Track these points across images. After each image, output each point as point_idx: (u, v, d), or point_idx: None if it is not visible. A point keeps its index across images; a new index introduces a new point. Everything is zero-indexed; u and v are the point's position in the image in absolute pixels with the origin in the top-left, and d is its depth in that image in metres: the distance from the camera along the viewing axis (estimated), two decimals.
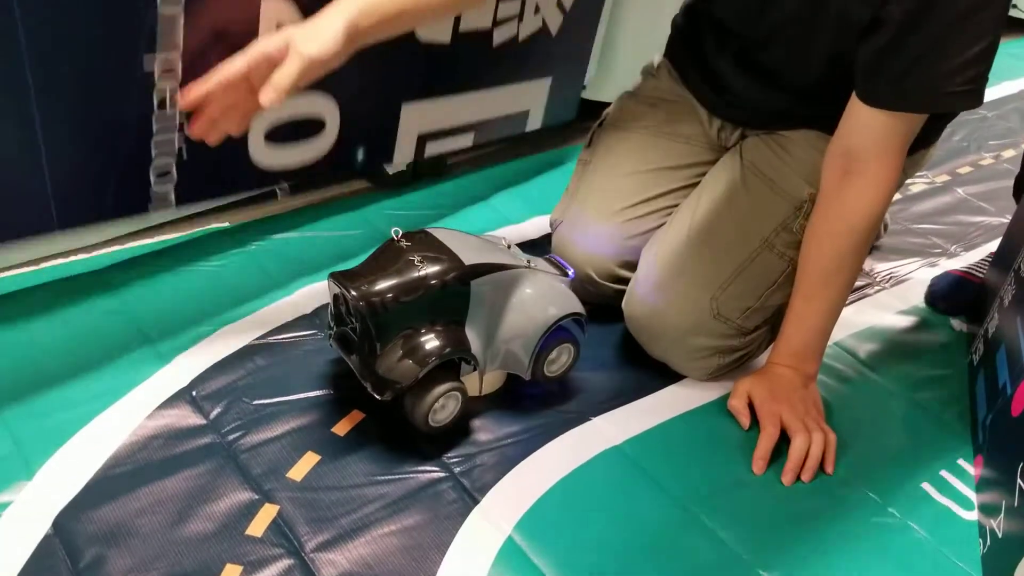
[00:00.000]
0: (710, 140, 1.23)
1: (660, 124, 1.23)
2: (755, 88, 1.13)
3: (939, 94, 0.94)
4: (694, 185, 1.20)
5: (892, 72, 0.94)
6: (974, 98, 0.95)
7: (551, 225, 1.27)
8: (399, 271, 0.96)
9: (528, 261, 1.05)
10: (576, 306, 1.05)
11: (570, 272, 1.09)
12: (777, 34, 1.06)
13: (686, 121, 1.22)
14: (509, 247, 1.07)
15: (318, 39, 0.85)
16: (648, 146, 1.22)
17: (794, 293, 1.09)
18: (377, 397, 0.95)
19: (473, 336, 1.00)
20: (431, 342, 0.96)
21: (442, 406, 0.99)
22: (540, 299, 1.03)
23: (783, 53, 1.08)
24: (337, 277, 0.97)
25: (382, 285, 0.94)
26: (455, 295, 0.97)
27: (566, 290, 1.07)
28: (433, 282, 0.95)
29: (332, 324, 1.02)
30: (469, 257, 0.98)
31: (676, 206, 1.19)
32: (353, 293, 0.94)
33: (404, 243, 0.99)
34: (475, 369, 1.01)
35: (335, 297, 1.00)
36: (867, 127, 0.99)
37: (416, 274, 0.95)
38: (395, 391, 0.95)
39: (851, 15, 0.95)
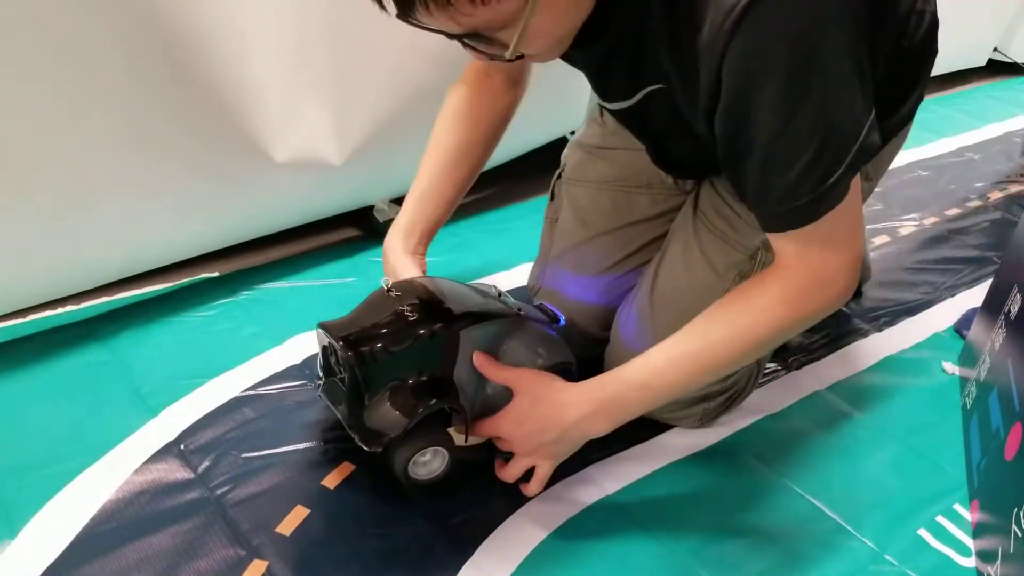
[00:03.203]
0: (668, 186, 1.20)
1: (618, 177, 1.20)
2: (690, 153, 1.05)
3: (789, 211, 0.83)
4: (666, 234, 1.18)
5: (747, 196, 0.86)
6: (830, 200, 0.82)
7: (530, 291, 1.26)
8: (388, 321, 0.95)
9: (518, 308, 1.04)
10: (566, 355, 1.05)
11: (561, 319, 1.08)
12: (664, 140, 1.04)
13: (642, 171, 1.19)
14: (499, 295, 1.07)
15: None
16: (611, 202, 1.20)
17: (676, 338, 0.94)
18: (365, 449, 0.94)
19: (462, 385, 0.99)
20: (419, 393, 0.95)
21: (425, 462, 0.97)
22: (529, 348, 1.02)
23: (684, 148, 1.03)
24: (326, 327, 0.96)
25: (371, 335, 0.93)
26: (444, 345, 0.96)
27: (556, 338, 1.06)
28: (422, 332, 0.94)
29: (321, 374, 1.01)
30: (458, 306, 0.98)
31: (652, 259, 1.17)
32: (341, 343, 0.93)
33: (393, 292, 0.98)
34: (464, 419, 1.01)
35: (324, 348, 0.99)
36: (771, 239, 0.89)
37: (405, 324, 0.94)
38: (383, 443, 0.94)
39: (696, 129, 0.89)
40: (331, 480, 1.02)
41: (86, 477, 0.99)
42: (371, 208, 1.51)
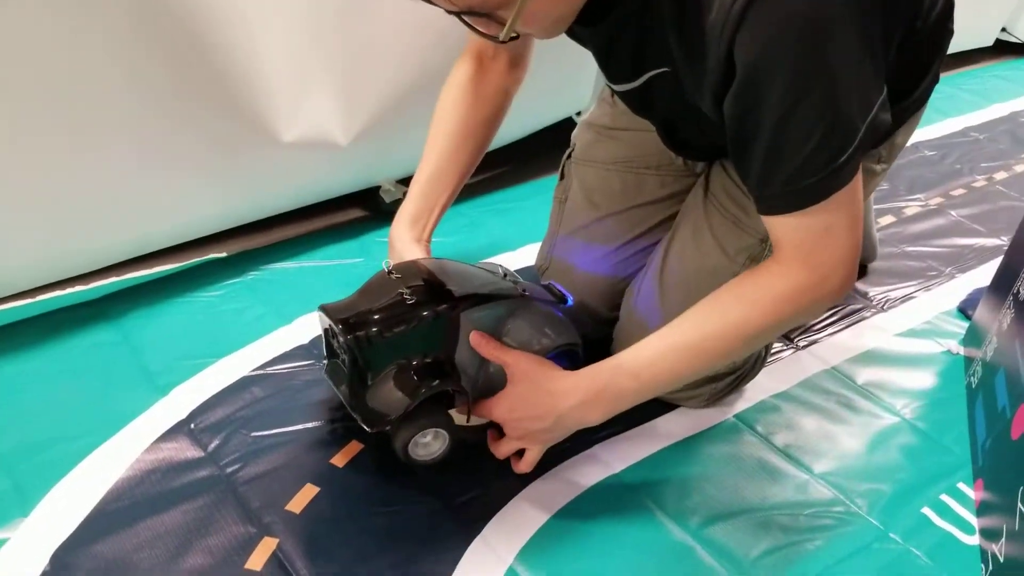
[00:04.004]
0: (678, 167, 1.19)
1: (628, 158, 1.20)
2: (698, 134, 1.05)
3: (795, 191, 0.82)
4: (675, 215, 1.18)
5: (751, 177, 0.85)
6: (838, 180, 0.81)
7: (538, 271, 1.26)
8: (388, 303, 0.94)
9: (524, 289, 1.03)
10: (571, 336, 1.04)
11: (569, 299, 1.07)
12: (671, 121, 1.04)
13: (652, 152, 1.18)
14: (505, 275, 1.06)
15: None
16: (622, 183, 1.20)
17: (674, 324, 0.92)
18: (368, 430, 0.94)
19: (464, 367, 0.98)
20: (421, 374, 0.94)
21: (425, 442, 0.98)
22: (533, 329, 1.01)
23: (691, 130, 1.04)
24: (326, 310, 0.95)
25: (370, 318, 0.93)
26: (445, 326, 0.96)
27: (562, 319, 1.05)
28: (424, 314, 0.94)
29: (324, 356, 1.02)
30: (460, 287, 0.97)
31: (661, 240, 1.17)
32: (341, 326, 0.92)
33: (395, 275, 0.97)
34: (466, 400, 1.00)
35: (325, 330, 0.99)
36: (770, 228, 0.89)
37: (405, 306, 0.94)
38: (385, 423, 0.94)
39: (703, 111, 0.88)
40: (340, 459, 1.02)
41: (97, 456, 1.00)
42: (377, 189, 1.51)
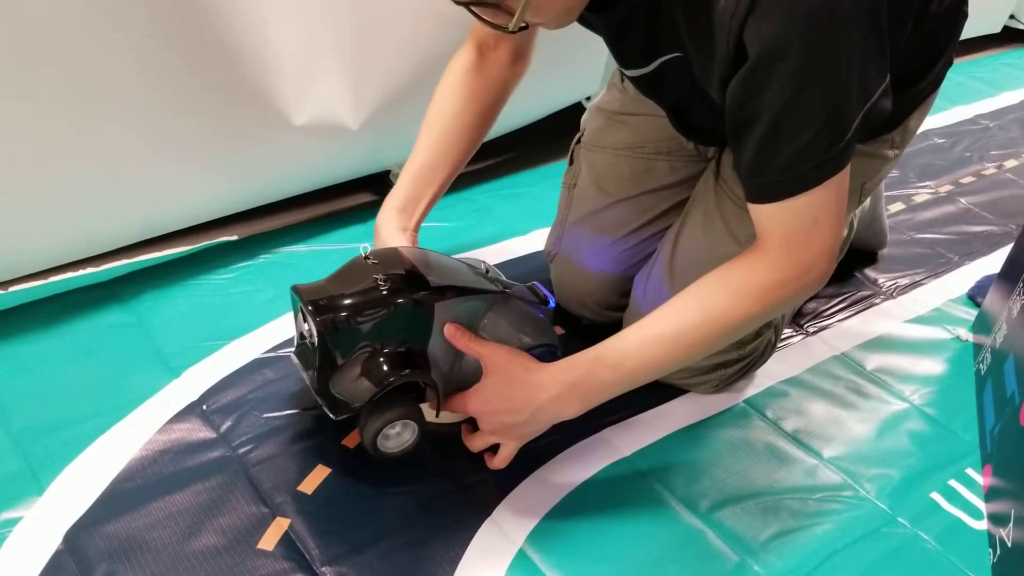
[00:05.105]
0: (689, 152, 1.18)
1: (638, 143, 1.19)
2: (709, 119, 1.03)
3: (790, 177, 0.83)
4: (686, 200, 1.17)
5: (746, 162, 0.86)
6: (833, 166, 0.83)
7: (547, 257, 1.26)
8: (361, 290, 0.92)
9: (505, 287, 1.01)
10: (551, 337, 1.02)
11: (551, 301, 1.05)
12: (683, 106, 1.04)
13: (663, 137, 1.17)
14: (487, 272, 1.03)
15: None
16: (631, 169, 1.19)
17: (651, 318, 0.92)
18: (332, 417, 0.92)
19: (436, 360, 0.96)
20: (388, 363, 0.92)
21: (394, 433, 0.97)
22: (512, 326, 0.99)
23: (703, 114, 1.03)
24: (298, 290, 0.94)
25: (340, 303, 0.91)
26: (419, 316, 0.94)
27: (542, 320, 1.03)
28: (398, 301, 0.92)
29: (296, 338, 1.00)
30: (437, 278, 0.95)
31: (671, 225, 1.17)
32: (311, 308, 0.91)
33: (371, 261, 0.95)
34: (436, 394, 0.97)
35: (296, 311, 0.97)
36: (757, 217, 0.89)
37: (376, 293, 0.92)
38: (349, 411, 0.92)
39: (712, 95, 0.88)
40: (351, 440, 1.03)
41: (110, 436, 1.00)
42: (387, 173, 1.51)
